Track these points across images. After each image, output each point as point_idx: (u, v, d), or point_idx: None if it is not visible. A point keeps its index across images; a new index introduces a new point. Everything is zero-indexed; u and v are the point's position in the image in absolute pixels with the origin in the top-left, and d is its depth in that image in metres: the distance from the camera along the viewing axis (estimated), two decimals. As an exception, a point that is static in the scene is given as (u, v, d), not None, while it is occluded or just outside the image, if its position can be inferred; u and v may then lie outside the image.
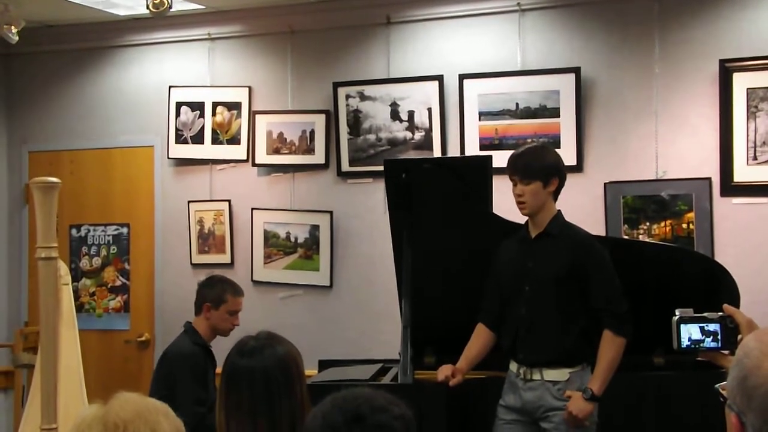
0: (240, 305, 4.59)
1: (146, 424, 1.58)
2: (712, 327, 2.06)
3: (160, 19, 5.62)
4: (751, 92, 4.69)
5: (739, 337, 1.97)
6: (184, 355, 4.36)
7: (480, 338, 3.88)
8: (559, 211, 3.76)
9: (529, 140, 4.98)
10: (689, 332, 2.07)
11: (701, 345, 2.07)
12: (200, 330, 4.48)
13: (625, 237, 4.85)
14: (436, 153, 5.25)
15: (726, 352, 2.03)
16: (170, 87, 5.86)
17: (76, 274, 6.07)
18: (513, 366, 3.75)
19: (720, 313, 2.06)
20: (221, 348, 3.23)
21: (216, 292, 4.52)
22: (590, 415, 3.56)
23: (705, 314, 2.07)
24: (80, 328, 3.80)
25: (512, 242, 3.84)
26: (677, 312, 2.09)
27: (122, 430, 1.56)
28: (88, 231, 6.14)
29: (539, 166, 3.68)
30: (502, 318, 3.82)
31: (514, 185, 3.71)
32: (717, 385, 1.57)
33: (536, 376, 3.65)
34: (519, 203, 3.70)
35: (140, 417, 1.59)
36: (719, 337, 2.05)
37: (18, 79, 6.35)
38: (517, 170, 3.69)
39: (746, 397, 1.39)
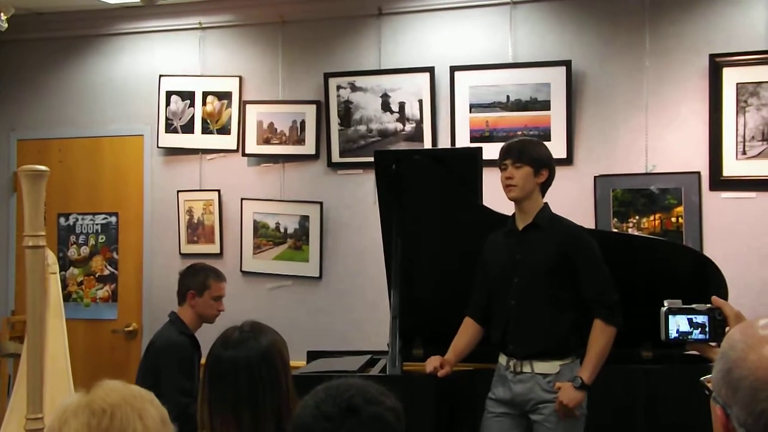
0: (223, 290, 4.58)
1: (133, 410, 1.57)
2: (701, 319, 2.05)
3: (150, 7, 5.60)
4: (740, 87, 4.70)
5: (727, 329, 1.97)
6: (171, 344, 4.35)
7: (468, 331, 3.89)
8: (546, 203, 3.76)
9: (520, 133, 4.99)
10: (677, 324, 2.07)
11: (689, 337, 2.07)
12: (186, 319, 4.48)
13: (615, 230, 4.86)
14: (427, 144, 5.24)
15: (714, 344, 2.03)
16: (160, 76, 5.84)
17: (64, 263, 6.05)
18: (502, 359, 3.74)
19: (708, 305, 2.06)
20: (205, 338, 3.22)
21: (199, 279, 4.52)
22: (580, 404, 3.57)
23: (693, 306, 2.07)
24: (67, 318, 3.78)
25: (498, 235, 3.84)
26: (665, 303, 2.08)
27: (109, 415, 1.55)
28: (77, 220, 6.12)
29: (532, 153, 3.70)
30: (491, 311, 3.82)
31: (505, 169, 3.71)
32: (702, 378, 1.56)
33: (526, 369, 3.65)
34: (508, 186, 3.70)
35: (127, 402, 1.58)
36: (707, 329, 2.05)
37: (7, 66, 6.31)
38: (510, 154, 3.71)
39: (731, 390, 1.39)
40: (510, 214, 3.84)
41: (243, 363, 2.31)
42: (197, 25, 5.80)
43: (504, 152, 3.75)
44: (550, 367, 3.63)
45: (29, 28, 6.06)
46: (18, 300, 6.12)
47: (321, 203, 5.50)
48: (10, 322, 5.75)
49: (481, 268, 3.88)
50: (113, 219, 6.05)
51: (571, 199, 4.83)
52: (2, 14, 5.18)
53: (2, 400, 5.60)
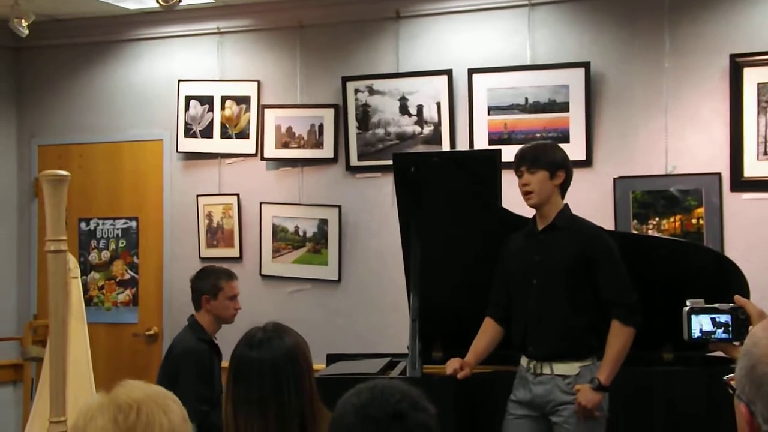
0: (236, 289, 4.55)
1: (158, 406, 1.57)
2: (723, 318, 2.04)
3: (169, 12, 5.63)
4: (761, 87, 4.67)
5: (750, 328, 1.96)
6: (189, 352, 4.33)
7: (488, 332, 3.89)
8: (566, 204, 3.76)
9: (538, 135, 4.98)
10: (700, 323, 2.06)
11: (712, 336, 2.06)
12: (204, 324, 4.46)
13: (635, 232, 4.83)
14: (445, 147, 5.24)
15: (737, 343, 2.02)
16: (179, 81, 5.87)
17: (85, 268, 6.09)
18: (523, 360, 3.75)
19: (731, 304, 2.05)
20: (227, 340, 3.23)
21: (210, 282, 4.50)
22: (599, 405, 3.55)
23: (716, 305, 2.06)
24: (89, 322, 3.80)
25: (519, 236, 3.85)
26: (688, 303, 2.07)
27: (136, 410, 1.55)
28: (97, 224, 6.15)
29: (546, 157, 3.71)
30: (511, 312, 3.82)
31: (521, 176, 3.72)
32: (725, 377, 1.56)
33: (546, 370, 3.65)
34: (525, 193, 3.72)
35: (150, 399, 1.58)
36: (730, 328, 2.04)
37: (27, 72, 6.36)
38: (524, 160, 3.72)
39: (755, 386, 1.38)
40: (529, 215, 3.84)
41: (268, 363, 2.31)
42: (215, 30, 5.83)
43: (518, 159, 3.76)
44: (569, 368, 3.63)
45: (49, 34, 6.10)
46: (40, 304, 6.15)
47: (339, 207, 5.51)
48: (32, 326, 5.80)
49: (501, 268, 3.87)
50: (133, 224, 6.08)
51: (591, 201, 4.81)
52: (22, 21, 5.23)
53: (26, 403, 5.64)
